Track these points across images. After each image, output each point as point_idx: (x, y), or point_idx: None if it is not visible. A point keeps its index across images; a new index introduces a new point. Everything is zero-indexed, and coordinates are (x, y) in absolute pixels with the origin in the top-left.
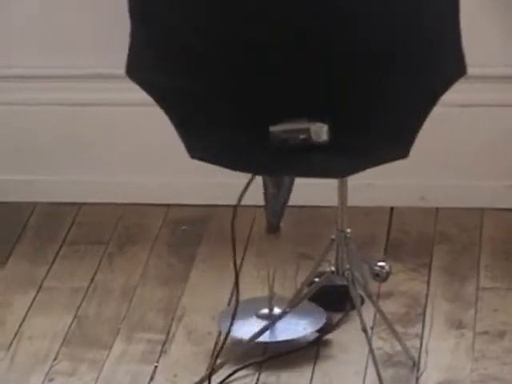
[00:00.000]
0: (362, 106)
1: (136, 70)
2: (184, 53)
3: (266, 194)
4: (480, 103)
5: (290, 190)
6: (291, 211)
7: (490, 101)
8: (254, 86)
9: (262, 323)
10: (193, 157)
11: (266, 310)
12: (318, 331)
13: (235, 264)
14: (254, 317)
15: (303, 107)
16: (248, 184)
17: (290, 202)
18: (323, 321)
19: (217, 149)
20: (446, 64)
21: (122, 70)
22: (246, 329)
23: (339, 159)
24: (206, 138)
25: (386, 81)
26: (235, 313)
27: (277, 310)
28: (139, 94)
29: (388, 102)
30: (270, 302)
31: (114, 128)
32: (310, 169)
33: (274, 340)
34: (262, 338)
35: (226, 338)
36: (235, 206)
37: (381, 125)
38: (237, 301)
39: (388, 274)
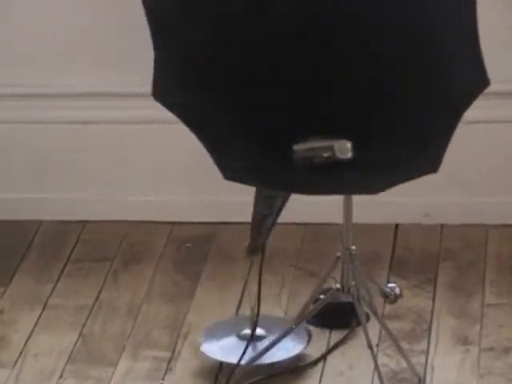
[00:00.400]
0: (378, 119)
1: (161, 92)
2: (204, 73)
3: (255, 214)
4: (485, 120)
5: (280, 211)
6: (296, 229)
7: (495, 117)
8: (277, 103)
9: (242, 345)
10: (226, 178)
11: (247, 331)
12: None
13: (259, 282)
14: (236, 337)
15: (323, 124)
16: (283, 202)
17: (295, 220)
18: (306, 337)
19: (249, 169)
20: (462, 74)
21: (133, 88)
22: (230, 351)
23: (368, 175)
24: (236, 158)
25: (399, 92)
26: (255, 328)
27: (259, 331)
28: (143, 112)
29: (405, 113)
30: (253, 322)
31: (118, 146)
32: (343, 186)
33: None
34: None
35: (237, 365)
36: (271, 225)
37: (401, 138)
38: (255, 322)
39: (397, 296)
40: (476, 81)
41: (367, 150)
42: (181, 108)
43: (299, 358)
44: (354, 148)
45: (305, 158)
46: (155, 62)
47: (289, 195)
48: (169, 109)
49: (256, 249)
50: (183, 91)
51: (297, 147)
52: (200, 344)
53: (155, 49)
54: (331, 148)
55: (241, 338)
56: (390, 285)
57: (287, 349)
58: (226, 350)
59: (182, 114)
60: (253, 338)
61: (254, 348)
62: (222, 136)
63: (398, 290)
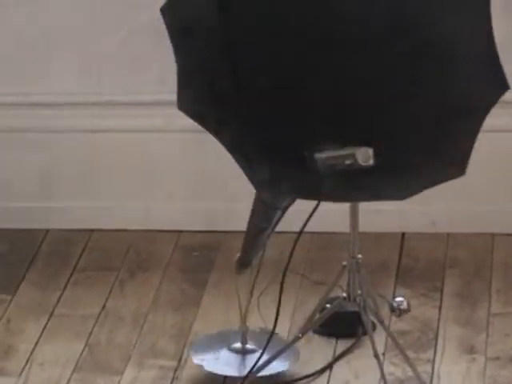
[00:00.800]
0: (380, 119)
1: (181, 102)
2: (212, 82)
3: (250, 227)
4: (492, 128)
5: (276, 224)
6: (303, 237)
7: (502, 126)
8: (284, 109)
9: (237, 357)
10: (257, 189)
11: (238, 344)
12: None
13: (281, 291)
14: (227, 350)
15: (332, 128)
16: (313, 212)
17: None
18: (296, 348)
19: (279, 179)
20: (463, 74)
21: (139, 97)
22: (225, 363)
23: (395, 181)
24: (265, 169)
25: (399, 92)
26: (270, 338)
27: (250, 344)
28: (148, 121)
29: (406, 114)
30: (244, 336)
31: (125, 154)
32: (372, 193)
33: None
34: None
35: (245, 378)
36: (299, 233)
37: (403, 140)
38: (272, 332)
39: (403, 311)
40: (483, 82)
41: (388, 156)
42: (199, 118)
43: (304, 367)
44: (377, 155)
45: (327, 166)
46: (179, 76)
47: (287, 208)
48: (191, 118)
49: (247, 262)
50: (198, 101)
51: (318, 155)
52: (191, 353)
53: (176, 59)
54: (353, 156)
55: (232, 350)
56: (397, 299)
57: (284, 360)
58: (223, 363)
59: (202, 124)
60: (246, 351)
61: (246, 361)
62: (239, 146)
63: (405, 305)
